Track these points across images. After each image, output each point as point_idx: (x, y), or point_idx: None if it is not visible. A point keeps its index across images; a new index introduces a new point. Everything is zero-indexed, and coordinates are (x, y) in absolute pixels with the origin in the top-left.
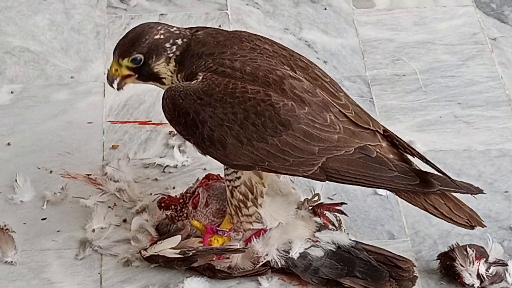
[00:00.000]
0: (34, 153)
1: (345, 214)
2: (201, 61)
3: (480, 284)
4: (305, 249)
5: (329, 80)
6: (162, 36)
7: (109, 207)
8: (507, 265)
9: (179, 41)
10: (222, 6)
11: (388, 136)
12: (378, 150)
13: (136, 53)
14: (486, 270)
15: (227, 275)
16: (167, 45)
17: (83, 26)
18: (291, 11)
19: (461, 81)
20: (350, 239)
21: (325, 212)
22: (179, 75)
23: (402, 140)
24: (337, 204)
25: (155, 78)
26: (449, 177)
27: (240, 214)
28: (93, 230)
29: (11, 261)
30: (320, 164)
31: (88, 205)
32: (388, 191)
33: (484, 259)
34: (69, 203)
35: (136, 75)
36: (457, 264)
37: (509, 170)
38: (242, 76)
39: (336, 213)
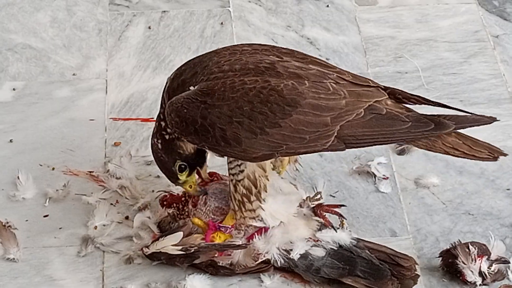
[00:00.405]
0: (36, 150)
1: (343, 217)
2: (186, 84)
3: (482, 282)
4: (306, 249)
5: (315, 57)
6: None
7: (111, 204)
8: (509, 262)
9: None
10: (224, 3)
11: (390, 93)
12: (386, 106)
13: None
14: (488, 267)
15: (230, 272)
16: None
17: (85, 23)
18: (294, 8)
19: (463, 79)
20: (352, 237)
21: (324, 213)
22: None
23: (403, 91)
24: (336, 206)
25: (200, 154)
26: (460, 111)
27: (243, 209)
28: (95, 227)
29: (13, 258)
30: (336, 134)
31: (90, 202)
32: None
33: (486, 256)
34: (71, 200)
35: (191, 171)
36: (459, 261)
37: (511, 168)
38: (235, 73)
39: (340, 211)
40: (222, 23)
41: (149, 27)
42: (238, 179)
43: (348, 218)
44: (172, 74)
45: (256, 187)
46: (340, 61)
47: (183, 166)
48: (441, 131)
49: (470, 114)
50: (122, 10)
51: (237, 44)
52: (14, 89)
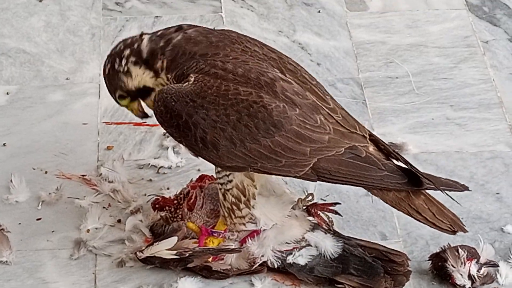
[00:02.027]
0: (30, 154)
1: (339, 214)
2: (193, 61)
3: (471, 285)
4: (299, 249)
5: (316, 83)
6: (147, 48)
7: (104, 207)
8: (498, 266)
9: (168, 52)
10: (216, 9)
11: (374, 141)
12: (367, 151)
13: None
14: (477, 271)
15: (224, 275)
16: (158, 55)
17: (79, 28)
18: (285, 13)
19: (453, 84)
20: (343, 236)
21: (319, 212)
22: (168, 75)
23: (386, 144)
24: (331, 204)
25: (145, 92)
26: (435, 177)
27: (233, 216)
28: (88, 231)
29: (6, 261)
30: (311, 165)
31: (83, 205)
32: (372, 196)
33: (476, 260)
34: (64, 203)
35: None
36: (448, 264)
37: (500, 172)
38: (234, 78)
39: (329, 214)
40: (214, 28)
41: (142, 32)
42: (227, 188)
43: (339, 222)
44: (192, 30)
45: (245, 196)
46: (331, 66)
47: (123, 96)
48: (413, 187)
49: (444, 178)
50: (115, 15)
51: (251, 39)
52: (7, 93)
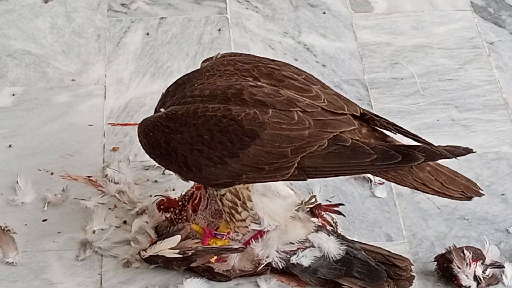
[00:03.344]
0: (35, 155)
1: (342, 215)
2: (163, 104)
3: (476, 286)
4: (303, 250)
5: (304, 77)
6: None
7: (110, 208)
8: (503, 267)
9: None
10: (222, 10)
11: (368, 119)
12: (353, 137)
13: None
14: (483, 272)
15: (226, 278)
16: None
17: (84, 29)
18: (290, 15)
19: (459, 85)
20: (347, 239)
21: (322, 213)
22: None
23: (382, 118)
24: (335, 205)
25: None
26: (433, 145)
27: (234, 220)
28: (94, 232)
29: (12, 262)
30: (296, 165)
31: (88, 206)
32: (377, 198)
33: (481, 261)
34: (69, 204)
35: None
36: (454, 266)
37: (505, 173)
38: (202, 99)
39: (333, 214)
40: (219, 30)
41: (148, 34)
42: (222, 194)
43: (344, 223)
44: (163, 92)
45: (240, 199)
46: (336, 67)
47: None
48: (408, 164)
49: (444, 146)
50: (120, 16)
51: (225, 59)
52: (13, 95)
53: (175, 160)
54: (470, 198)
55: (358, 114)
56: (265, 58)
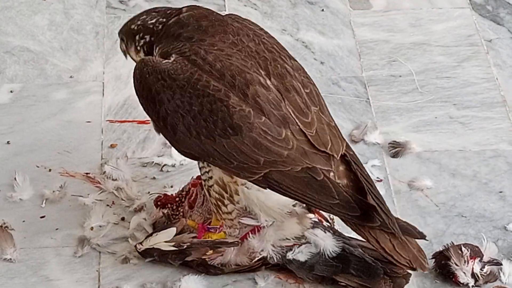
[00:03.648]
0: (33, 152)
1: None
2: (178, 43)
3: (474, 283)
4: (299, 246)
5: (308, 92)
6: (135, 27)
7: (108, 205)
8: (501, 264)
9: (147, 38)
10: (220, 7)
11: (348, 162)
12: (326, 174)
13: (121, 34)
14: (481, 269)
15: (220, 271)
16: (136, 37)
17: (83, 26)
18: (289, 12)
19: (457, 82)
20: (344, 236)
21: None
22: (155, 50)
23: (361, 168)
24: None
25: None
26: (395, 218)
27: (220, 212)
28: (92, 228)
29: (10, 259)
30: (262, 174)
31: (86, 203)
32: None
33: (479, 258)
34: (67, 201)
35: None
36: (451, 263)
37: (503, 171)
38: (210, 70)
39: None
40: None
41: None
42: (209, 185)
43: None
44: (184, 12)
45: (226, 192)
46: (334, 64)
47: (121, 39)
48: (363, 223)
49: (404, 222)
50: (119, 13)
51: (254, 31)
52: (11, 91)
53: (156, 110)
54: (414, 269)
55: (338, 156)
56: (285, 51)
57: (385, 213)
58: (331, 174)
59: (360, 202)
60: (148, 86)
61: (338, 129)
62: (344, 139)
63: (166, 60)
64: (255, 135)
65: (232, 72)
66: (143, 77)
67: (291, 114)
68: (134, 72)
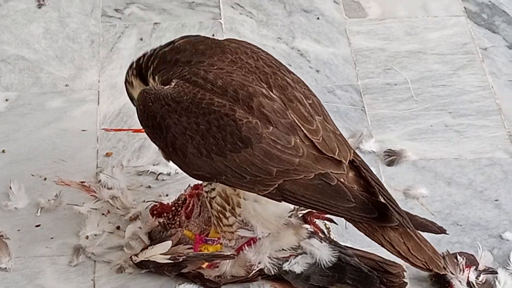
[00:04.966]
0: (29, 161)
1: (334, 223)
2: (176, 68)
3: None
4: (295, 257)
5: (311, 102)
6: (140, 61)
7: (103, 214)
8: (496, 273)
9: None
10: (215, 15)
11: (357, 167)
12: (339, 179)
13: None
14: (476, 278)
15: (215, 284)
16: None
17: (78, 34)
18: (284, 20)
19: (452, 91)
20: (340, 245)
21: (315, 220)
22: (156, 79)
23: (370, 172)
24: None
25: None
26: (412, 215)
27: (221, 224)
28: (87, 237)
29: (5, 268)
30: (276, 185)
31: (82, 212)
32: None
33: (474, 267)
34: (63, 210)
35: None
36: (447, 271)
37: (499, 179)
38: (212, 88)
39: (325, 221)
40: (213, 35)
41: (141, 39)
42: (212, 196)
43: (337, 229)
44: (178, 40)
45: (229, 204)
46: (330, 73)
47: None
48: (382, 224)
49: (421, 218)
50: (114, 21)
51: (253, 50)
52: (6, 100)
53: (164, 137)
54: (430, 271)
55: (347, 162)
56: (283, 66)
57: (400, 213)
58: (344, 178)
59: (375, 204)
60: (153, 114)
61: (344, 138)
62: (351, 147)
63: (168, 86)
64: (265, 145)
65: (234, 87)
66: (146, 106)
67: (296, 122)
68: (137, 103)
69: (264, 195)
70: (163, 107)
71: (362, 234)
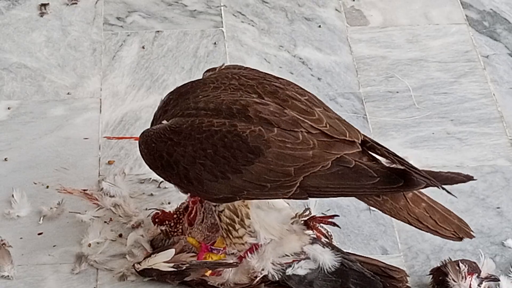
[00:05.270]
0: (31, 169)
1: (337, 226)
2: (166, 112)
3: None
4: (298, 262)
5: (307, 98)
6: None
7: (105, 222)
8: (499, 280)
9: None
10: (217, 24)
11: (370, 147)
12: (356, 159)
13: None
14: (478, 285)
15: None
16: None
17: (80, 43)
18: (286, 28)
19: (454, 98)
20: (342, 251)
21: (317, 225)
22: None
23: (383, 147)
24: (330, 217)
25: None
26: (435, 172)
27: (231, 237)
28: (89, 245)
29: (8, 276)
30: (298, 184)
31: (84, 220)
32: (372, 211)
33: (476, 274)
34: (65, 218)
35: None
36: (449, 279)
37: (501, 186)
38: (206, 112)
39: (328, 227)
40: (215, 43)
41: (143, 47)
42: (220, 210)
43: (339, 236)
44: (163, 99)
45: (238, 216)
46: (332, 80)
47: None
48: (410, 189)
49: (445, 172)
50: (116, 30)
51: (230, 71)
52: (9, 108)
53: (176, 172)
54: (461, 239)
55: (359, 141)
56: (269, 74)
57: (423, 175)
58: (360, 157)
59: (398, 173)
60: (159, 154)
61: (349, 124)
62: (359, 131)
63: (164, 122)
64: (275, 148)
65: (226, 105)
66: (150, 148)
67: (298, 117)
68: (139, 148)
69: (289, 198)
70: (166, 143)
71: (363, 240)
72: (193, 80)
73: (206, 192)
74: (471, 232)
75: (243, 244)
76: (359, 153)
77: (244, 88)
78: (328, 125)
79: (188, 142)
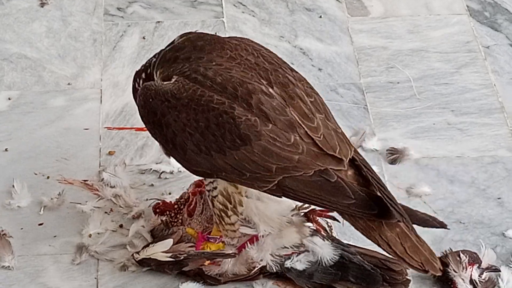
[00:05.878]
0: (31, 159)
1: (337, 220)
2: (177, 64)
3: None
4: (298, 254)
5: (313, 100)
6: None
7: (106, 212)
8: (499, 271)
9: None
10: (218, 14)
11: (357, 165)
12: (339, 175)
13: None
14: (479, 275)
15: (217, 281)
16: (142, 75)
17: (80, 33)
18: (287, 19)
19: (455, 89)
20: (342, 243)
21: (317, 218)
22: (156, 76)
23: (370, 170)
24: (329, 210)
25: None
26: (412, 210)
27: (224, 223)
28: (90, 235)
29: (8, 266)
30: (276, 182)
31: (84, 210)
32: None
33: (477, 264)
34: (66, 208)
35: None
36: (450, 269)
37: (501, 177)
38: (211, 85)
39: (328, 220)
40: (216, 34)
41: (144, 37)
42: (214, 195)
43: (340, 228)
44: (178, 39)
45: (231, 203)
46: (332, 71)
47: None
48: (383, 219)
49: (421, 213)
50: (116, 20)
51: (252, 46)
52: (9, 99)
53: (164, 133)
54: (426, 272)
55: (347, 160)
56: (286, 64)
57: (399, 211)
58: (344, 175)
59: (376, 200)
60: (153, 110)
61: (346, 136)
62: (352, 145)
63: (168, 82)
64: (264, 142)
65: (233, 84)
66: (147, 102)
67: (296, 119)
68: (138, 99)
69: (264, 191)
70: (163, 103)
71: None
72: (216, 35)
73: (187, 161)
74: (439, 268)
75: (235, 231)
76: (344, 171)
77: (257, 69)
78: (322, 136)
79: (184, 109)
